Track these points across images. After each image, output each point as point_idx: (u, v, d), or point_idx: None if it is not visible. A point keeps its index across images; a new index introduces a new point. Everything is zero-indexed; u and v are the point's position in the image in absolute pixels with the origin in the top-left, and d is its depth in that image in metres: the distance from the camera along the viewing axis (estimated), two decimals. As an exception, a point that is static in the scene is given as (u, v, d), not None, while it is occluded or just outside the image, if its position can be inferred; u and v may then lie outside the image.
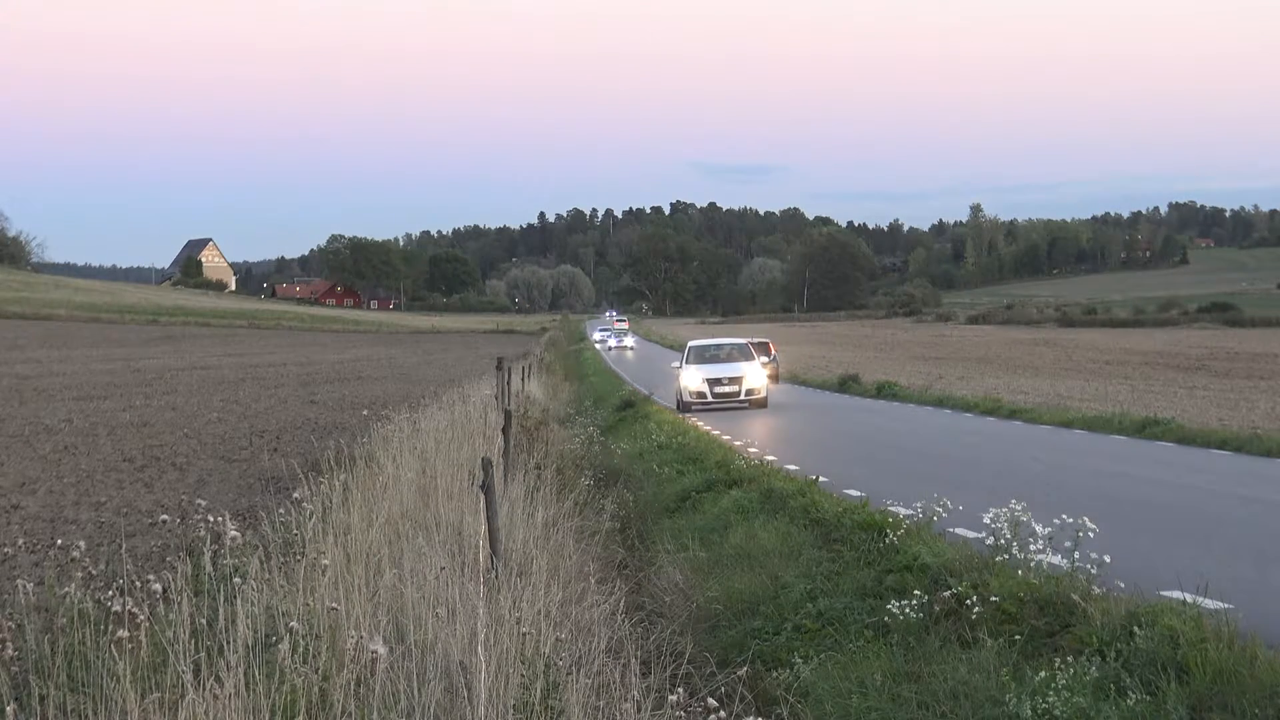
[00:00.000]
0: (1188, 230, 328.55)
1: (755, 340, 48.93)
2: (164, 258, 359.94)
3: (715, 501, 18.30)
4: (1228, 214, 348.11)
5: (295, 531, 10.65)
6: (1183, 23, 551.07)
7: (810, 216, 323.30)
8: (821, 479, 18.48)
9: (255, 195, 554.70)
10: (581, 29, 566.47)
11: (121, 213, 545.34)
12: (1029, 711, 8.09)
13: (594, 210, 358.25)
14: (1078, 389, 46.09)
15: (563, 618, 9.32)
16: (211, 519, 9.56)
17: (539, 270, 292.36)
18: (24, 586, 8.04)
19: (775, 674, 10.15)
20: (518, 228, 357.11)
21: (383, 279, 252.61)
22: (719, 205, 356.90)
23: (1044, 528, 10.76)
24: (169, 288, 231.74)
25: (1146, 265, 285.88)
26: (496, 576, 9.41)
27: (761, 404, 38.97)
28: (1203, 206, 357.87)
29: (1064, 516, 10.63)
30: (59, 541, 9.83)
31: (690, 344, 43.31)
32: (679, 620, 11.66)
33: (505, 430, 16.00)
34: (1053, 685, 8.21)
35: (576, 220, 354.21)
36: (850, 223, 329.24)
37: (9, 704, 6.91)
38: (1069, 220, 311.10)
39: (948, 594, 10.49)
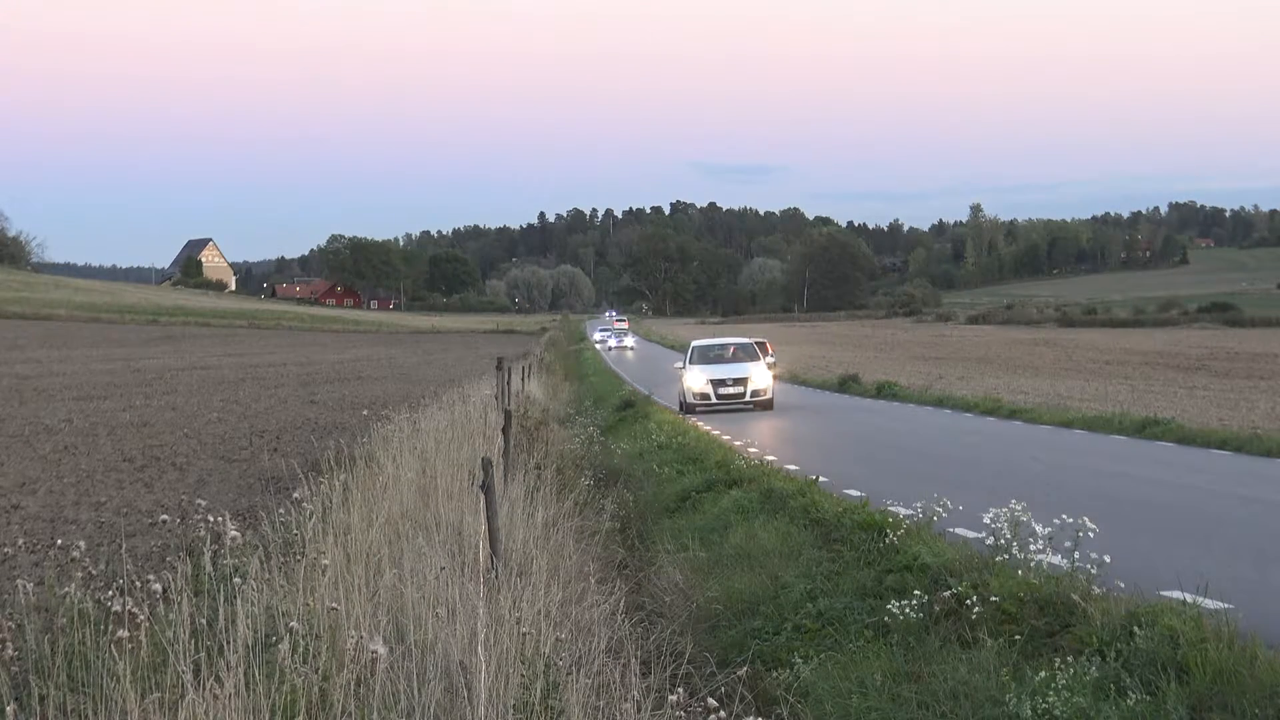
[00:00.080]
0: (1188, 230, 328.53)
1: (753, 340, 48.84)
2: (164, 258, 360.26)
3: (715, 501, 18.30)
4: (1228, 214, 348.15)
5: (295, 531, 10.65)
6: (1183, 23, 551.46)
7: (810, 216, 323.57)
8: (821, 479, 18.48)
9: (255, 195, 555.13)
10: (581, 29, 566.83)
11: (121, 213, 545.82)
12: (1029, 711, 8.09)
13: (594, 210, 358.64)
14: (1078, 389, 46.09)
15: (563, 618, 9.32)
16: (211, 519, 9.56)
17: (539, 270, 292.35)
18: (24, 586, 8.04)
19: (775, 674, 10.15)
20: (518, 228, 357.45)
21: (383, 279, 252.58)
22: (719, 205, 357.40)
23: (1044, 528, 10.76)
24: (169, 288, 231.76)
25: (1146, 265, 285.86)
26: (496, 576, 9.41)
27: (767, 405, 38.23)
28: (1203, 206, 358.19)
29: (1064, 516, 10.63)
30: (59, 541, 9.83)
31: (694, 344, 42.66)
32: (679, 620, 11.65)
33: (505, 430, 16.00)
34: (1053, 685, 8.21)
35: (576, 220, 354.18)
36: (850, 223, 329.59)
37: (9, 704, 6.91)
38: (1069, 220, 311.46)
39: (948, 594, 10.48)
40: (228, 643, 6.97)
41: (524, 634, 7.82)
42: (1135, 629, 8.72)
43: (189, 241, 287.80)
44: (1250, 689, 7.74)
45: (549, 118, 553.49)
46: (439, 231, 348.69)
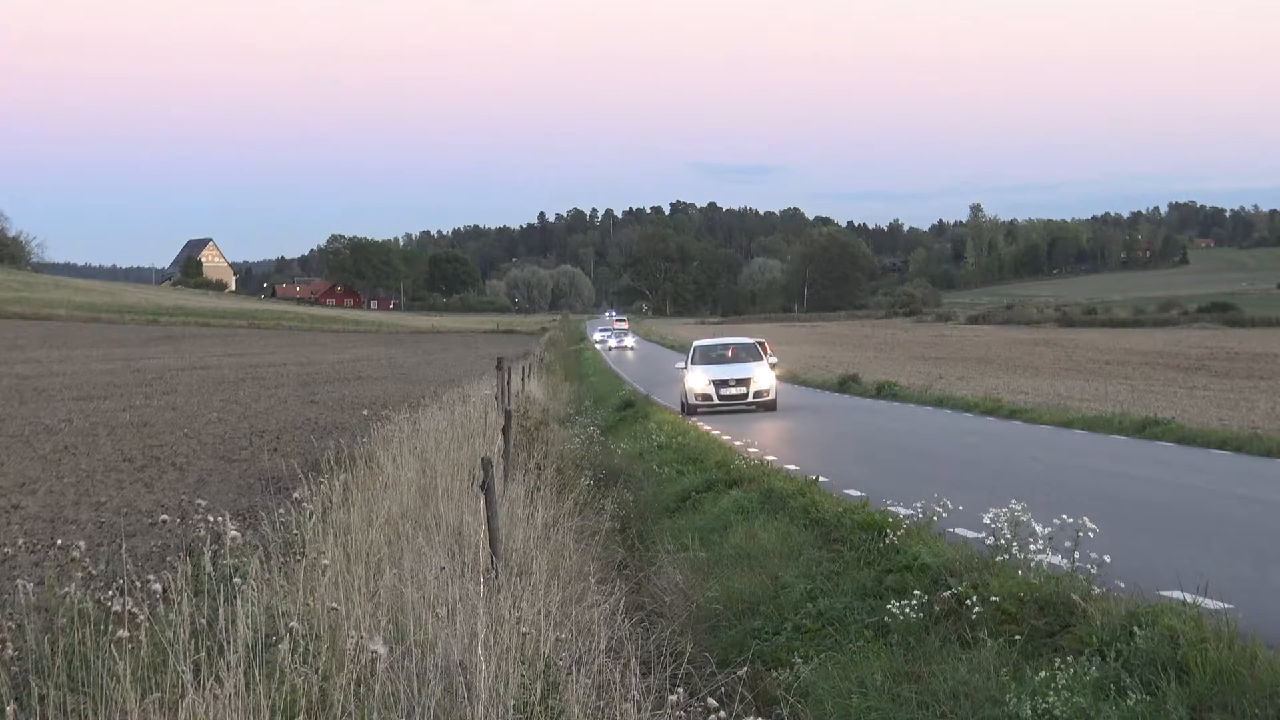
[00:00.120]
0: (1188, 230, 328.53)
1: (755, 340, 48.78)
2: (164, 258, 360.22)
3: (715, 501, 18.30)
4: (1228, 214, 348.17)
5: (295, 531, 10.65)
6: (1183, 23, 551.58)
7: (810, 216, 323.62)
8: (821, 479, 18.48)
9: (255, 195, 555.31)
10: (581, 29, 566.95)
11: (121, 213, 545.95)
12: (1029, 711, 8.09)
13: (594, 210, 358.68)
14: (1078, 389, 46.09)
15: (563, 618, 9.32)
16: (211, 519, 9.56)
17: (539, 270, 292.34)
18: (24, 586, 8.04)
19: (775, 674, 10.15)
20: (518, 228, 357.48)
21: (383, 279, 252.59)
22: (719, 205, 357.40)
23: (1044, 528, 10.76)
24: (169, 288, 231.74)
25: (1146, 265, 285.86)
26: (496, 576, 9.41)
27: (771, 406, 37.62)
28: (1203, 206, 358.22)
29: (1064, 516, 10.63)
30: (59, 541, 9.83)
31: (696, 344, 42.11)
32: (679, 620, 11.65)
33: (505, 430, 16.00)
34: (1053, 685, 8.21)
35: (576, 220, 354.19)
36: (850, 223, 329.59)
37: (9, 704, 6.91)
38: (1069, 220, 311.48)
39: (948, 594, 10.48)
40: (228, 643, 6.97)
41: (524, 634, 7.82)
42: (1135, 629, 8.72)
43: (189, 241, 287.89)
44: (1250, 689, 7.74)
45: (549, 118, 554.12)
46: (439, 231, 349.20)
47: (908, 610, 10.40)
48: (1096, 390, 44.96)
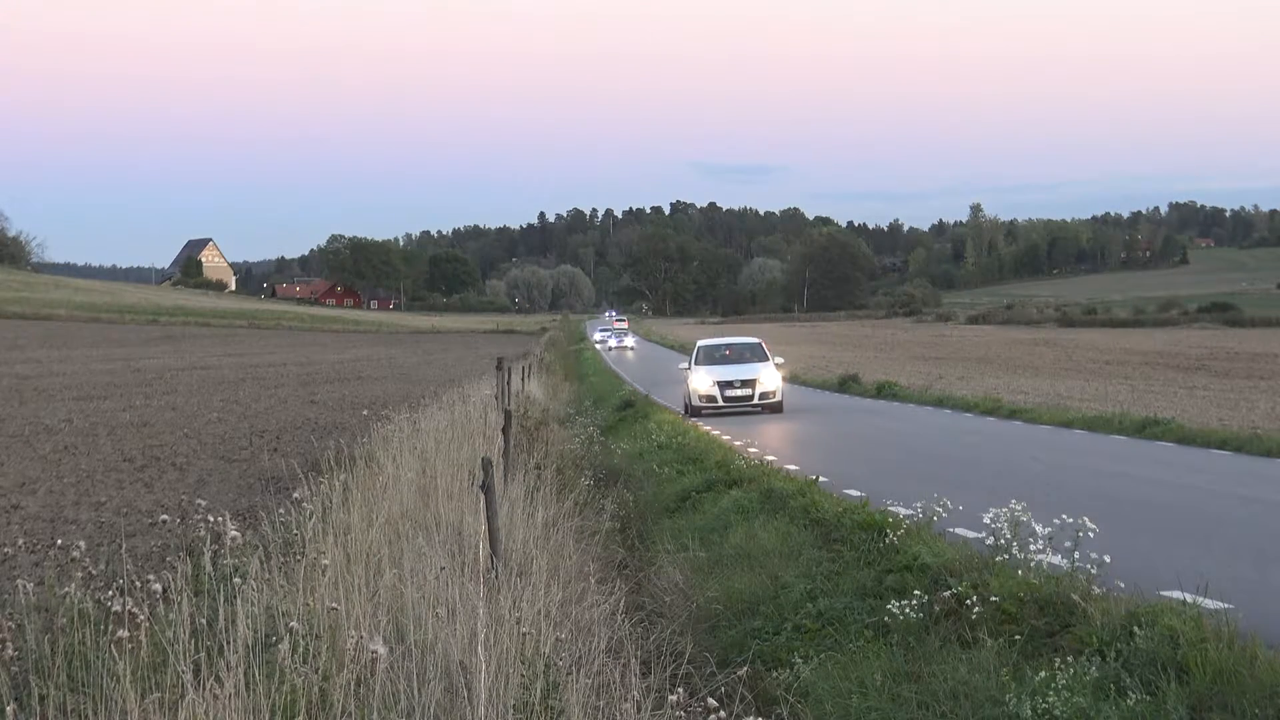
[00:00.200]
0: (1188, 230, 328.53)
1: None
2: (164, 258, 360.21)
3: (715, 501, 18.30)
4: (1228, 214, 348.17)
5: (295, 531, 10.65)
6: (1183, 23, 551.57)
7: (810, 216, 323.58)
8: (821, 479, 18.47)
9: (255, 195, 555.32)
10: (581, 29, 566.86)
11: (121, 213, 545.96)
12: (1029, 711, 8.09)
13: (594, 210, 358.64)
14: (1078, 389, 46.09)
15: (563, 618, 9.32)
16: (211, 519, 9.56)
17: (539, 270, 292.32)
18: (24, 586, 8.04)
19: (775, 674, 10.15)
20: (518, 228, 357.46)
21: (383, 279, 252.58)
22: (719, 205, 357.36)
23: (1044, 528, 10.75)
24: (169, 288, 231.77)
25: (1146, 265, 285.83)
26: (496, 576, 9.41)
27: (777, 408, 36.65)
28: (1203, 206, 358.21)
29: (1064, 516, 10.63)
30: (59, 541, 9.83)
31: (700, 344, 41.05)
32: (679, 620, 11.65)
33: (505, 430, 16.01)
34: (1053, 685, 8.21)
35: (576, 220, 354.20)
36: (850, 223, 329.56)
37: (9, 704, 6.91)
38: (1069, 220, 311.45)
39: (948, 594, 10.48)
40: (228, 643, 6.97)
41: (524, 634, 7.83)
42: (1135, 629, 8.72)
43: (189, 241, 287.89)
44: (1250, 689, 7.74)
45: (549, 118, 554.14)
46: (439, 231, 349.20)
47: (908, 610, 10.40)
48: (1096, 390, 44.96)
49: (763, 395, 36.64)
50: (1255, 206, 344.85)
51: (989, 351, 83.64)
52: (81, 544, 8.75)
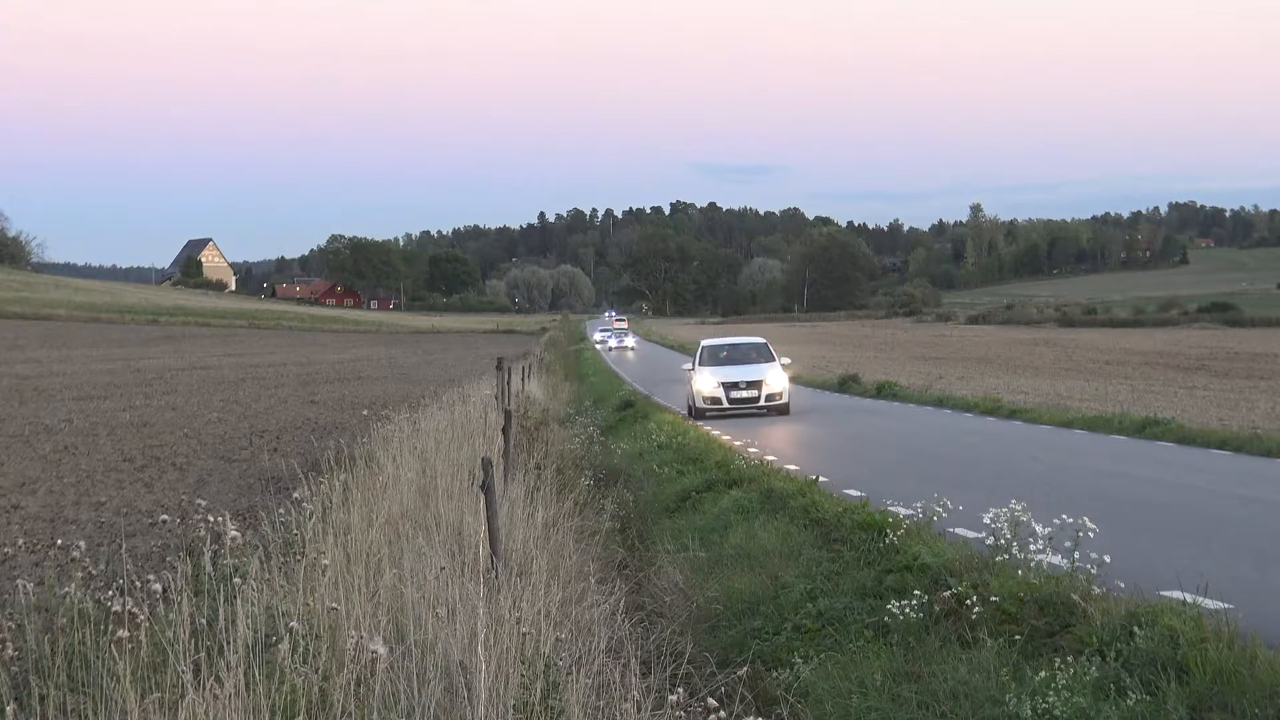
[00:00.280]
0: (1188, 230, 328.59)
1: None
2: (164, 258, 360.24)
3: (715, 501, 18.30)
4: (1228, 214, 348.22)
5: (295, 531, 10.65)
6: (1183, 23, 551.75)
7: (810, 216, 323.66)
8: (821, 479, 18.48)
9: (255, 195, 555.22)
10: (581, 29, 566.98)
11: (121, 213, 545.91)
12: (1029, 711, 8.09)
13: (594, 210, 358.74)
14: (1078, 389, 46.09)
15: (563, 618, 9.32)
16: (211, 519, 9.56)
17: (539, 270, 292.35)
18: (24, 586, 8.04)
19: (775, 674, 10.15)
20: (518, 228, 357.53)
21: (383, 279, 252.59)
22: (719, 205, 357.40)
23: (1044, 528, 10.75)
24: (169, 288, 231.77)
25: (1146, 265, 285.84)
26: (496, 576, 9.41)
27: (784, 410, 35.61)
28: (1203, 206, 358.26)
29: (1064, 516, 10.63)
30: (59, 541, 9.83)
31: (703, 344, 39.76)
32: (679, 620, 11.65)
33: (505, 430, 16.01)
34: (1053, 685, 8.21)
35: (576, 220, 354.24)
36: (850, 223, 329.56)
37: (9, 704, 6.91)
38: (1069, 220, 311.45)
39: (948, 594, 10.48)
40: (228, 643, 6.97)
41: (524, 634, 7.83)
42: (1135, 629, 8.72)
43: (189, 241, 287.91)
44: (1250, 689, 7.75)
45: (549, 118, 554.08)
46: (439, 231, 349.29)
47: (908, 610, 10.40)
48: (1096, 390, 44.95)
49: (769, 397, 35.70)
50: (1255, 206, 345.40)
51: (989, 351, 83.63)
52: (81, 544, 8.75)
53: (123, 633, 7.00)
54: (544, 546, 11.99)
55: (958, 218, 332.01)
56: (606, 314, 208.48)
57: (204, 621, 7.40)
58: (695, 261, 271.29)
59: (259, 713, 6.41)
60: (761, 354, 37.94)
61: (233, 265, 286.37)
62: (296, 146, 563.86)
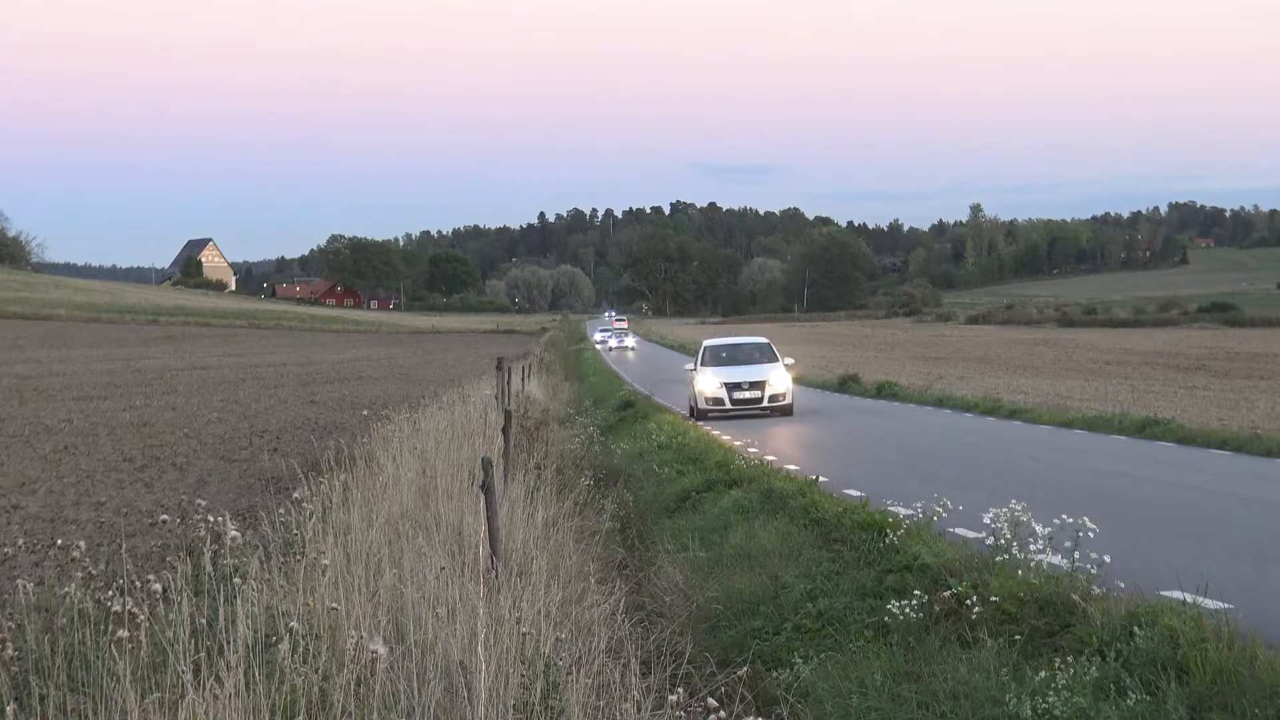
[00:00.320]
0: (1188, 230, 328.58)
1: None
2: (164, 258, 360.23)
3: (715, 501, 18.30)
4: (1228, 214, 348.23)
5: (295, 531, 10.65)
6: (1183, 23, 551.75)
7: (810, 216, 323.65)
8: (821, 479, 18.48)
9: (255, 195, 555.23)
10: (581, 29, 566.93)
11: (121, 213, 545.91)
12: (1029, 711, 8.09)
13: (594, 210, 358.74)
14: (1078, 389, 46.09)
15: (563, 618, 9.32)
16: (211, 519, 9.56)
17: (539, 270, 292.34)
18: (24, 586, 8.04)
19: (775, 674, 10.15)
20: (518, 228, 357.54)
21: (383, 279, 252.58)
22: (719, 205, 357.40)
23: (1044, 528, 10.75)
24: (169, 288, 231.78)
25: (1146, 265, 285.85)
26: (496, 576, 9.41)
27: (787, 411, 35.22)
28: (1203, 206, 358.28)
29: (1064, 516, 10.63)
30: (59, 541, 9.83)
31: (705, 344, 39.31)
32: (679, 620, 11.65)
33: (505, 430, 16.01)
34: (1053, 685, 8.21)
35: (576, 220, 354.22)
36: (850, 223, 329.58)
37: (9, 704, 6.91)
38: (1069, 220, 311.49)
39: (948, 594, 10.48)
40: (228, 643, 6.97)
41: (524, 634, 7.82)
42: (1135, 629, 8.72)
43: (189, 241, 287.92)
44: (1250, 689, 7.74)
45: (549, 118, 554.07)
46: (439, 231, 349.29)
47: (908, 610, 10.40)
48: (1096, 390, 44.95)
49: (772, 398, 35.27)
50: (1255, 206, 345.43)
51: (989, 351, 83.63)
52: (81, 544, 8.75)
53: (123, 633, 7.00)
54: (544, 546, 11.99)
55: (958, 218, 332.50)
56: (606, 314, 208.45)
57: (204, 621, 7.40)
58: (695, 261, 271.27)
59: (259, 713, 6.41)
60: (765, 354, 37.61)
61: (233, 265, 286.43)
62: (296, 146, 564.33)
